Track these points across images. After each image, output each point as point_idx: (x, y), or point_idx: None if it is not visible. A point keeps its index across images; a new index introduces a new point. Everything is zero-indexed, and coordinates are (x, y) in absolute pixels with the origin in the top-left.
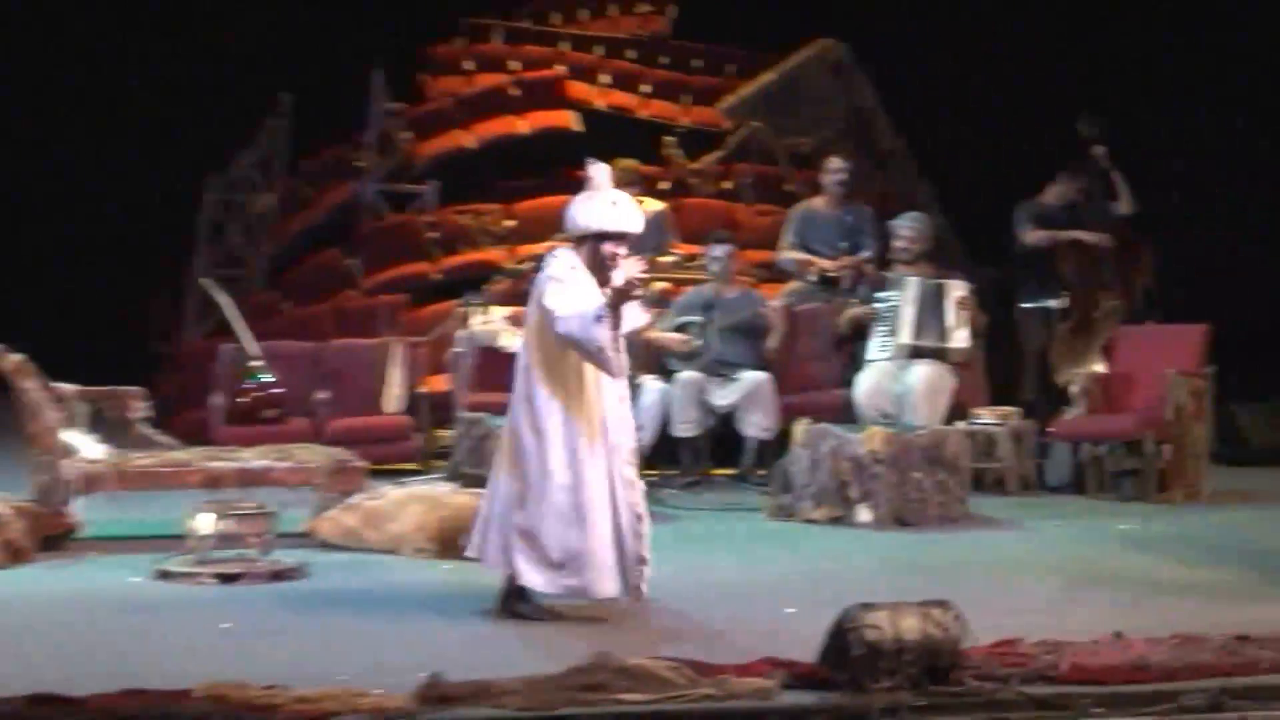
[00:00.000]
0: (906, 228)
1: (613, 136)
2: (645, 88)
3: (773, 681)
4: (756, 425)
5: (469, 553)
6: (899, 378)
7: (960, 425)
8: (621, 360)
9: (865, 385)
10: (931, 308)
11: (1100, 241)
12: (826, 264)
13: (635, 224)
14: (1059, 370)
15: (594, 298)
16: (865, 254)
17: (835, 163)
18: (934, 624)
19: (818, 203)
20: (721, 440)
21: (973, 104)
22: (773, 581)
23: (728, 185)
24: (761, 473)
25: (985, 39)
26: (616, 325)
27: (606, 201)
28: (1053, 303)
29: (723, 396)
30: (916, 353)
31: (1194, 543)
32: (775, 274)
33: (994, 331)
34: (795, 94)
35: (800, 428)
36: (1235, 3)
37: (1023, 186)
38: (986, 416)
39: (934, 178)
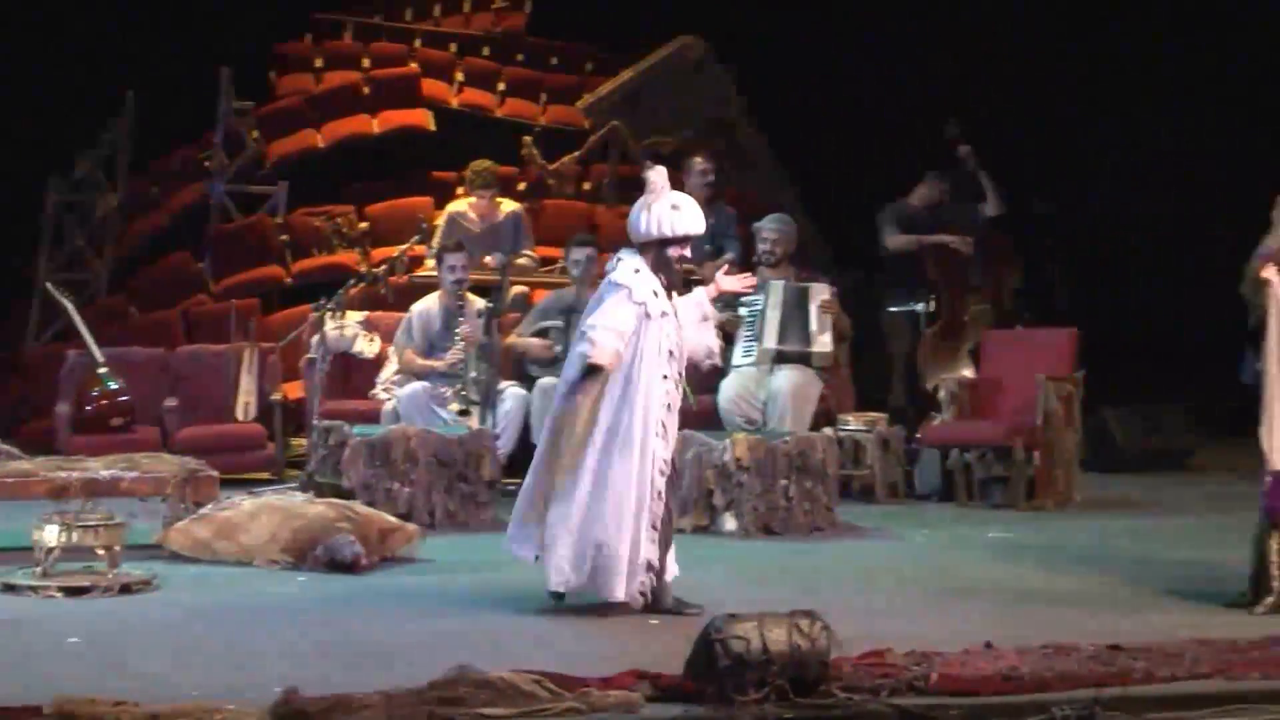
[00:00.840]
0: (770, 229)
1: (468, 136)
2: (501, 86)
3: (638, 694)
4: None
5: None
6: (764, 383)
7: (827, 431)
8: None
9: (730, 391)
10: (795, 312)
11: (963, 246)
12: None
13: (698, 225)
14: (927, 375)
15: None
16: (729, 256)
17: (699, 163)
18: (801, 635)
19: None
20: None
21: (838, 103)
22: None
23: (588, 186)
24: None
25: (852, 37)
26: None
27: (667, 205)
28: (919, 306)
29: None
30: (781, 357)
31: (1065, 551)
32: None
33: (861, 336)
34: (655, 93)
35: None
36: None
37: (889, 187)
38: (854, 423)
39: (798, 178)
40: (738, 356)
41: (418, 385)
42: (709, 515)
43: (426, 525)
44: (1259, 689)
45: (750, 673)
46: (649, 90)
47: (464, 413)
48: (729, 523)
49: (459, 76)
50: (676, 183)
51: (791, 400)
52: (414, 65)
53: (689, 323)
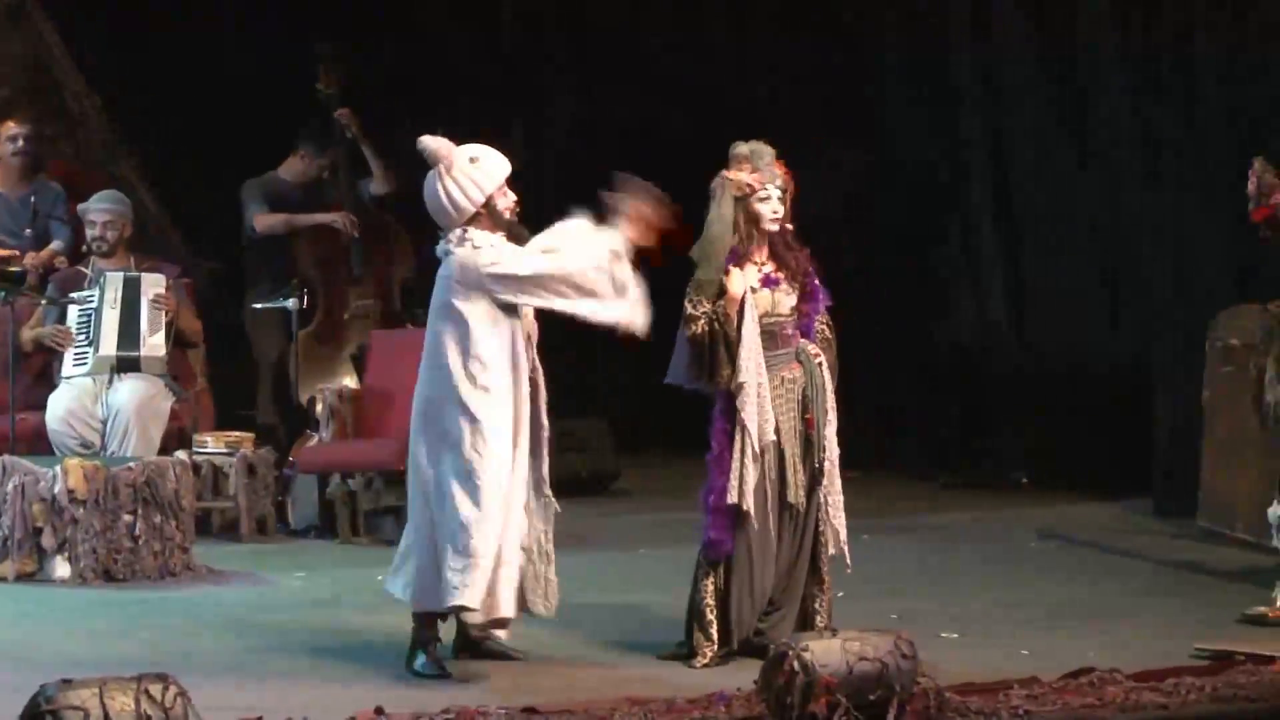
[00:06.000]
0: (100, 210)
1: None
2: None
3: None
4: None
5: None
6: (102, 398)
7: (180, 455)
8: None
9: (60, 408)
10: (130, 309)
11: (347, 225)
12: (6, 254)
13: (503, 159)
14: (301, 386)
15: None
16: (57, 244)
17: (12, 128)
18: (153, 703)
19: None
20: None
21: (191, 57)
22: None
23: None
24: None
25: None
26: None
27: (466, 161)
28: (290, 302)
29: None
30: (123, 366)
31: None
32: None
33: (221, 338)
34: None
35: None
36: None
37: (255, 159)
38: (213, 444)
39: (139, 147)
40: (68, 366)
41: None
42: (37, 559)
43: None
44: None
45: None
46: None
47: None
48: (61, 568)
49: None
50: None
51: (136, 417)
52: None
53: None
